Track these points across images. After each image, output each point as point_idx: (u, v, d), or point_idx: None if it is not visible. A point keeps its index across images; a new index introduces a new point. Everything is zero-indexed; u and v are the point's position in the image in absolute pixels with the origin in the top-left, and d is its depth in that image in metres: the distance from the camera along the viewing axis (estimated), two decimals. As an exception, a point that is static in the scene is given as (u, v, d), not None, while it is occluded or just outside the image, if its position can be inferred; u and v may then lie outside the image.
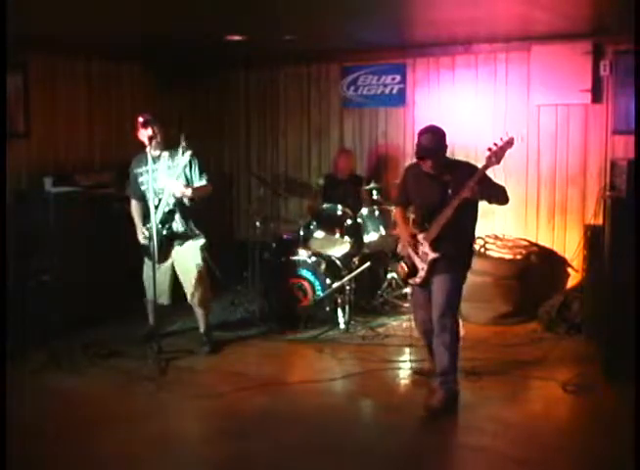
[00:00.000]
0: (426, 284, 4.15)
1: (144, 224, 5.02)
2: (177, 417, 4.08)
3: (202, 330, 5.18)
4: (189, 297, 5.06)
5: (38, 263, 5.49)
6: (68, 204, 5.62)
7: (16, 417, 3.70)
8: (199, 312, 5.16)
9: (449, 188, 3.94)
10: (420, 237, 4.12)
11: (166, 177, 4.86)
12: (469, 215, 4.08)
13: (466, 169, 3.97)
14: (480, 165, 3.92)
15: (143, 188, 4.99)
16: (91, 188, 5.91)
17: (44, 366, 4.77)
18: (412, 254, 4.18)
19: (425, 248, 4.08)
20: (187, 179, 4.88)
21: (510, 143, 3.83)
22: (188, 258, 5.00)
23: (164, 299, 5.08)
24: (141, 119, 4.80)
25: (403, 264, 4.28)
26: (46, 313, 5.31)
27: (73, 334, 5.30)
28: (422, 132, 4.05)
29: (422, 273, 4.12)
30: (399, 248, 4.37)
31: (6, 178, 5.08)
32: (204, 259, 5.04)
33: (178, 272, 5.05)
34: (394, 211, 4.52)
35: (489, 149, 3.85)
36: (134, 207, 5.12)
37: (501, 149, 3.83)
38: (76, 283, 5.57)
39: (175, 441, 3.75)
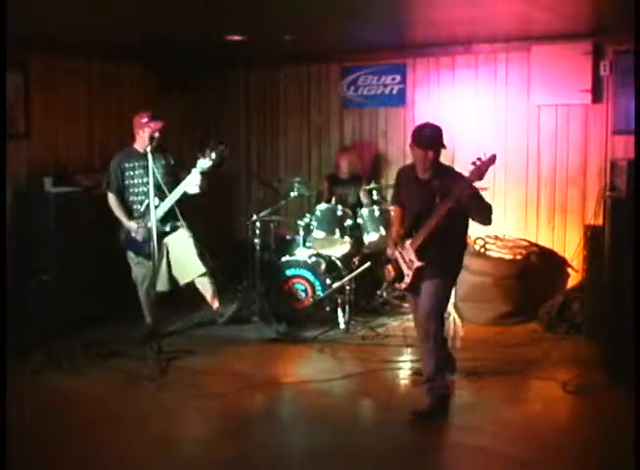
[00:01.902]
0: (414, 290, 4.14)
1: (132, 219, 5.03)
2: (177, 417, 4.07)
3: (215, 306, 5.39)
4: (188, 276, 5.15)
5: (38, 263, 5.49)
6: (68, 204, 5.62)
7: (16, 417, 3.70)
8: (203, 285, 5.27)
9: (437, 195, 3.90)
10: (407, 243, 4.10)
11: (162, 176, 4.90)
12: (458, 223, 4.03)
13: (454, 178, 3.93)
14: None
15: (128, 182, 5.00)
16: (91, 188, 5.90)
17: (44, 366, 4.77)
18: (399, 258, 4.17)
19: (410, 255, 4.05)
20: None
21: (492, 159, 3.76)
22: (181, 238, 5.06)
23: (164, 286, 5.11)
24: (147, 118, 4.86)
25: (390, 268, 4.26)
26: (46, 313, 5.31)
27: (73, 334, 5.30)
28: (422, 126, 4.06)
29: (407, 279, 4.11)
30: (388, 250, 4.34)
31: (6, 178, 5.08)
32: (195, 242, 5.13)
33: (175, 255, 5.10)
34: (393, 210, 4.51)
35: (473, 163, 3.80)
36: (114, 201, 5.11)
37: (484, 164, 3.76)
38: (76, 283, 5.57)
39: (175, 441, 3.75)
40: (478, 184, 3.85)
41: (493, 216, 4.02)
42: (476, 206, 3.90)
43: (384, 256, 4.40)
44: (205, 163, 4.78)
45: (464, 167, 4.12)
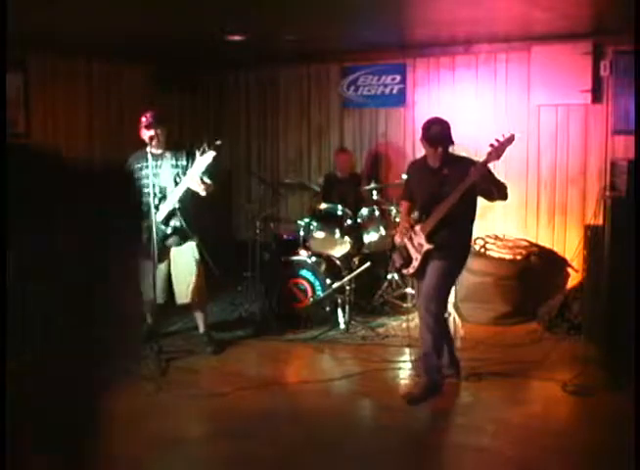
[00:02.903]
0: (421, 275, 4.20)
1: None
2: (177, 417, 4.07)
3: (201, 331, 5.17)
4: (183, 298, 5.02)
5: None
6: (68, 204, 5.62)
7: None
8: (197, 313, 5.15)
9: (448, 182, 4.01)
10: (417, 228, 4.18)
11: (170, 176, 4.87)
12: (467, 210, 4.13)
13: (466, 164, 4.04)
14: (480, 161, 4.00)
15: (138, 183, 4.97)
16: (91, 188, 5.90)
17: (44, 366, 4.76)
18: (408, 244, 4.24)
19: (420, 239, 4.14)
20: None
21: (510, 140, 3.90)
22: (187, 257, 4.98)
23: (161, 298, 5.06)
24: (145, 119, 4.81)
25: (398, 254, 4.36)
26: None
27: (73, 334, 5.29)
28: (430, 123, 4.15)
29: (415, 264, 4.19)
30: (396, 237, 4.43)
31: (6, 178, 5.08)
32: (202, 259, 5.02)
33: (174, 272, 5.02)
34: (401, 204, 4.59)
35: (491, 145, 3.91)
36: None
37: (502, 145, 3.89)
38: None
39: (175, 440, 3.75)
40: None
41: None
42: (494, 181, 4.01)
43: (389, 251, 4.45)
44: (202, 162, 4.71)
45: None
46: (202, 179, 4.78)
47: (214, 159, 4.70)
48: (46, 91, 6.06)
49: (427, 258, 4.14)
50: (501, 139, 3.91)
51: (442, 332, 4.23)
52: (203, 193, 4.82)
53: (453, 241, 4.12)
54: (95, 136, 6.55)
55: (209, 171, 4.81)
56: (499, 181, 4.09)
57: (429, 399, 4.05)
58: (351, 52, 6.75)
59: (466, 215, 4.16)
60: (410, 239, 4.22)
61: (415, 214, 4.33)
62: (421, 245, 4.13)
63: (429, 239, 4.10)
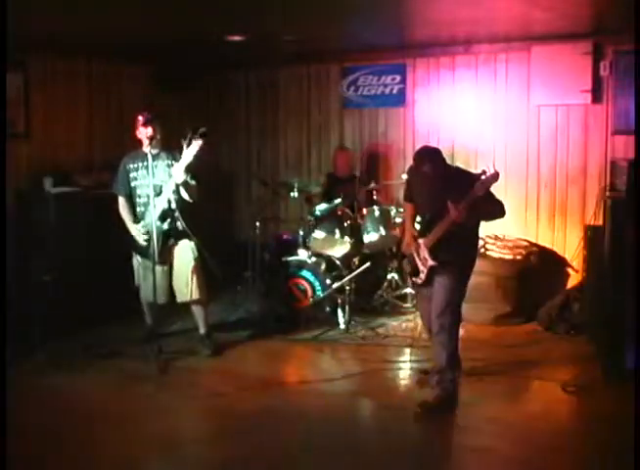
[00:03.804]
0: (429, 284, 4.19)
1: (136, 223, 4.99)
2: (177, 417, 4.07)
3: (202, 332, 5.15)
4: (183, 296, 5.01)
5: (38, 263, 5.49)
6: (68, 204, 5.62)
7: (16, 417, 3.70)
8: (197, 311, 5.12)
9: (447, 198, 3.91)
10: (420, 241, 4.18)
11: (165, 176, 4.85)
12: (470, 222, 4.06)
13: (466, 181, 3.95)
14: (478, 170, 3.95)
15: (133, 184, 4.96)
16: (91, 188, 5.91)
17: (44, 366, 4.77)
18: (414, 254, 4.22)
19: (424, 253, 4.13)
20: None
21: (495, 177, 3.84)
22: (184, 255, 4.97)
23: (163, 298, 5.05)
24: (141, 118, 4.80)
25: (407, 263, 4.36)
26: (46, 313, 5.31)
27: (73, 334, 5.30)
28: (416, 154, 4.09)
29: (422, 276, 4.19)
30: (403, 247, 4.45)
31: (5, 178, 5.08)
32: (202, 258, 5.01)
33: (174, 271, 5.01)
34: (404, 206, 4.58)
35: (478, 177, 3.86)
36: (122, 204, 5.04)
37: (487, 181, 3.83)
38: (76, 283, 5.56)
39: (175, 440, 3.75)
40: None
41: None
42: (484, 210, 3.97)
43: (395, 252, 4.43)
44: (189, 153, 4.64)
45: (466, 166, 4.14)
46: (187, 182, 4.73)
47: (199, 153, 4.63)
48: (46, 91, 6.06)
49: (431, 271, 4.13)
50: (488, 172, 3.84)
51: (456, 347, 4.16)
52: (186, 197, 4.75)
53: (456, 254, 4.08)
54: (95, 136, 6.55)
55: (194, 170, 4.76)
56: (492, 204, 4.02)
57: (444, 413, 4.00)
58: (351, 52, 6.75)
59: (467, 229, 4.08)
60: (416, 250, 4.21)
61: (418, 225, 4.35)
62: (426, 259, 4.12)
63: (432, 254, 4.08)
